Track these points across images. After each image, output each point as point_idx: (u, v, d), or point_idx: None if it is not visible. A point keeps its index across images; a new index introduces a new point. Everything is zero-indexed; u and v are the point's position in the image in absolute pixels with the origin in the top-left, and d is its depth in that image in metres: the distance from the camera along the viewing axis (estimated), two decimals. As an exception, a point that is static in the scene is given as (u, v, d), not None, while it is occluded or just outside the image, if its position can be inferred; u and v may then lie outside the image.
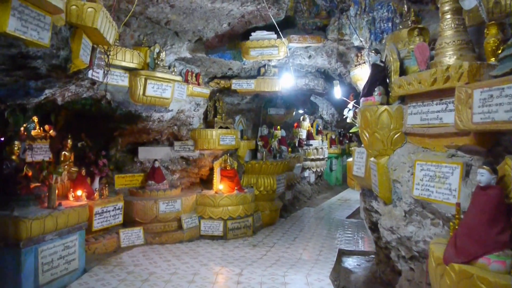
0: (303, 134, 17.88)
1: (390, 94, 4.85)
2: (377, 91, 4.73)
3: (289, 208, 14.17)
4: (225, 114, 10.79)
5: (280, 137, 12.81)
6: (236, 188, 10.21)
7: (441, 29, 4.07)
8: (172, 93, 8.13)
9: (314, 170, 18.80)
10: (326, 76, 10.59)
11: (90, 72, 5.82)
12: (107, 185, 8.86)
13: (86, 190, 8.03)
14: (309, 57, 8.87)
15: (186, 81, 9.15)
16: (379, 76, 4.79)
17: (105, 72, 5.97)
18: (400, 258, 4.76)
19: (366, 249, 9.31)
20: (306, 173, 18.06)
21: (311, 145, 18.15)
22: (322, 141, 19.71)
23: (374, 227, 6.40)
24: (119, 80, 7.26)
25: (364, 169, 5.53)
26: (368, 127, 4.73)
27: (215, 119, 10.45)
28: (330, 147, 20.65)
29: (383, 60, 5.01)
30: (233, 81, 10.32)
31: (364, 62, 7.20)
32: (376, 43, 5.77)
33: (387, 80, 4.91)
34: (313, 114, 18.57)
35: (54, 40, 4.18)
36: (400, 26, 5.28)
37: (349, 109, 6.30)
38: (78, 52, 4.62)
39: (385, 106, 4.56)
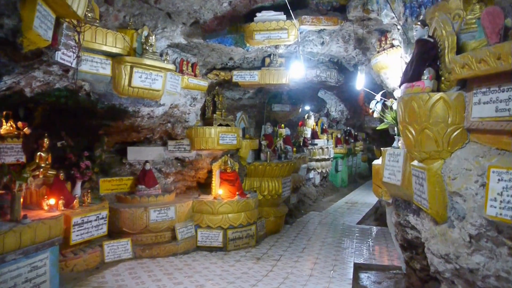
0: (308, 133, 16.81)
1: (443, 78, 3.71)
2: (427, 74, 3.59)
3: (294, 213, 13.10)
4: (225, 110, 9.65)
5: (284, 136, 11.67)
6: (237, 193, 9.08)
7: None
8: (164, 85, 6.98)
9: (319, 171, 17.75)
10: (340, 67, 9.44)
11: (57, 54, 4.68)
12: (90, 190, 7.74)
13: (64, 197, 6.91)
14: (322, 43, 7.72)
15: (181, 71, 8.00)
16: (429, 54, 3.66)
17: (75, 54, 4.82)
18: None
19: (385, 262, 8.21)
20: (311, 174, 17.00)
21: (316, 144, 17.13)
22: (328, 140, 18.67)
23: (407, 246, 5.28)
24: (100, 67, 6.10)
25: (401, 176, 4.40)
26: (414, 121, 3.59)
27: (214, 115, 9.31)
28: (336, 146, 19.60)
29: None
30: (235, 72, 9.16)
31: (391, 46, 6.07)
32: (412, 20, 4.65)
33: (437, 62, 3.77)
34: (320, 111, 17.43)
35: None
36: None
37: (377, 101, 5.18)
38: (31, 22, 3.48)
39: (440, 94, 3.42)
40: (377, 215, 13.07)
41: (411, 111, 3.64)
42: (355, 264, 8.08)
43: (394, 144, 5.28)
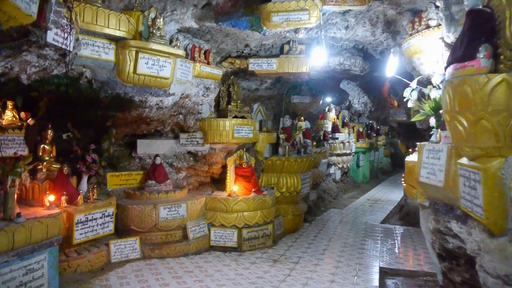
0: (329, 126, 16.09)
1: (502, 57, 3.00)
2: (484, 51, 2.89)
3: (314, 210, 12.46)
4: (241, 101, 9.04)
5: (304, 130, 11.00)
6: (253, 189, 8.49)
7: None
8: (173, 72, 6.41)
9: (340, 166, 17.08)
10: (365, 54, 8.68)
11: (49, 35, 4.14)
12: (96, 186, 7.29)
13: (68, 192, 6.48)
14: (347, 27, 6.99)
15: (193, 58, 7.42)
16: (485, 27, 2.95)
17: (67, 33, 4.28)
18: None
19: (413, 267, 7.50)
20: (332, 170, 16.33)
21: (337, 138, 16.44)
22: (349, 134, 17.91)
23: (446, 255, 4.59)
24: (102, 52, 5.57)
25: (444, 176, 3.71)
26: (467, 110, 2.90)
27: (229, 106, 8.71)
28: (357, 141, 18.87)
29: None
30: (251, 60, 8.52)
31: (427, 27, 5.33)
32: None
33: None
34: (341, 103, 16.64)
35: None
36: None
37: (412, 89, 4.48)
38: (6, -9, 2.93)
39: (503, 75, 2.72)
40: (402, 214, 12.29)
41: (462, 98, 2.95)
42: (380, 269, 7.40)
43: (432, 138, 4.59)
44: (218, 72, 8.07)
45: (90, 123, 7.78)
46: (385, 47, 7.60)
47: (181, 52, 6.39)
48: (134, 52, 5.80)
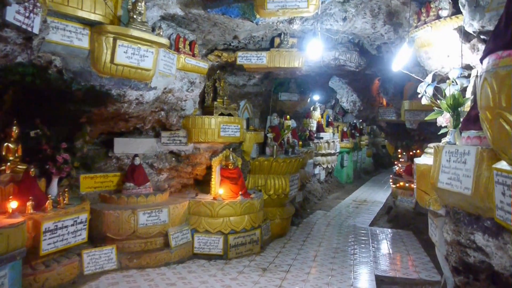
0: (314, 125, 15.68)
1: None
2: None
3: (300, 212, 12.03)
4: (227, 97, 8.45)
5: (292, 129, 10.51)
6: (240, 192, 7.92)
7: None
8: (155, 63, 5.76)
9: (325, 166, 16.68)
10: (361, 49, 8.21)
11: (9, 12, 3.46)
12: (67, 189, 6.58)
13: (35, 197, 5.76)
14: (344, 19, 6.48)
15: (177, 49, 6.78)
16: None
17: (31, 11, 3.60)
18: None
19: (409, 275, 7.11)
20: (317, 170, 15.89)
21: (322, 138, 16.03)
22: (333, 134, 17.58)
23: (463, 269, 4.14)
24: (74, 38, 4.88)
25: (473, 182, 3.24)
26: (514, 106, 2.42)
27: (215, 103, 8.10)
28: (342, 140, 18.54)
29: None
30: (239, 54, 7.92)
31: (437, 18, 4.87)
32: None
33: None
34: (327, 102, 16.24)
35: None
36: None
37: (428, 84, 4.01)
38: None
39: None
40: (391, 216, 11.97)
41: (507, 90, 2.47)
42: (377, 277, 6.99)
43: (449, 139, 4.12)
44: (204, 65, 7.45)
45: (61, 119, 7.03)
46: (384, 41, 7.13)
47: (164, 40, 5.74)
48: (111, 39, 5.12)
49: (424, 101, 4.16)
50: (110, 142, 7.67)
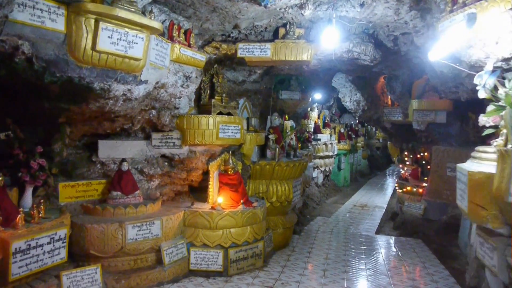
0: (312, 126, 14.98)
1: None
2: None
3: (301, 219, 11.23)
4: (226, 94, 7.60)
5: (294, 130, 9.72)
6: (242, 201, 7.08)
7: None
8: (146, 52, 4.88)
9: (323, 169, 15.99)
10: (376, 41, 7.42)
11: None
12: (44, 200, 5.68)
13: (4, 210, 4.87)
14: (362, 4, 5.68)
15: (170, 38, 5.91)
16: None
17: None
18: None
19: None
20: (315, 173, 15.18)
21: (319, 139, 15.35)
22: (331, 135, 16.91)
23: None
24: (47, 19, 3.97)
25: None
26: None
27: (213, 101, 7.24)
28: (339, 142, 17.87)
29: None
30: (240, 45, 7.06)
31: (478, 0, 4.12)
32: None
33: None
34: (327, 102, 15.52)
35: None
36: None
37: (490, 73, 3.25)
38: None
39: None
40: (397, 223, 11.27)
41: None
42: (398, 295, 6.24)
43: (500, 141, 3.37)
44: (202, 57, 6.58)
45: (37, 119, 6.11)
46: (405, 30, 6.33)
47: (157, 24, 4.84)
48: (92, 21, 4.21)
49: (482, 94, 3.39)
50: (93, 145, 6.75)
